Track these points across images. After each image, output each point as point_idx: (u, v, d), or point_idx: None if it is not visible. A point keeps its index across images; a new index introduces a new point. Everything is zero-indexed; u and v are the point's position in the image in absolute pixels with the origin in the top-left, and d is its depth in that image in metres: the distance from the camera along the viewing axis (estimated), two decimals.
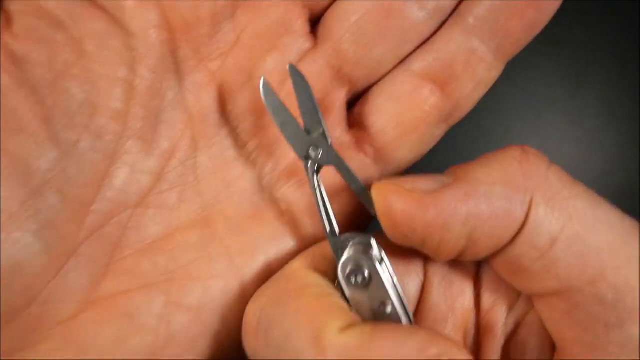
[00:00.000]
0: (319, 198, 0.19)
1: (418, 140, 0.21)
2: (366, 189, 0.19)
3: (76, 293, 0.19)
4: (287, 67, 0.20)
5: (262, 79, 0.20)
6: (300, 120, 0.20)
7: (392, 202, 0.17)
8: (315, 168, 0.20)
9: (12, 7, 0.18)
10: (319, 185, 0.20)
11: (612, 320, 0.16)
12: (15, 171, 0.17)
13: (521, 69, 0.46)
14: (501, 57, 0.21)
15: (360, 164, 0.21)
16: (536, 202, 0.17)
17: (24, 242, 0.18)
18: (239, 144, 0.21)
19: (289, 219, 0.21)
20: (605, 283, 0.16)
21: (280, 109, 0.20)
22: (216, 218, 0.21)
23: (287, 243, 0.21)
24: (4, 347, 0.18)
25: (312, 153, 0.20)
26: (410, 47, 0.21)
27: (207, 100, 0.21)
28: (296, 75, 0.20)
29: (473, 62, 0.20)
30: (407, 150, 0.21)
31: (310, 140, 0.20)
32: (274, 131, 0.21)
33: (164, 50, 0.20)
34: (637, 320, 0.16)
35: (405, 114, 0.20)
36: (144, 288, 0.19)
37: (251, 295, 0.19)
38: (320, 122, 0.20)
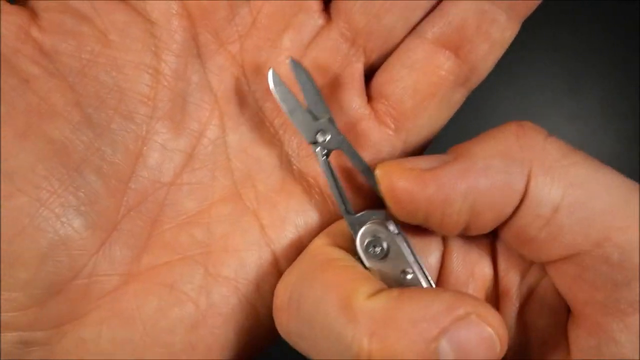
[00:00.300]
0: (331, 180, 0.20)
1: (437, 106, 0.21)
2: (372, 170, 0.20)
3: (119, 266, 0.20)
4: (288, 60, 0.21)
5: (271, 69, 0.20)
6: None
7: (395, 180, 0.18)
8: (325, 152, 0.21)
9: (38, 4, 0.20)
10: (329, 168, 0.21)
11: (619, 279, 0.16)
12: (52, 152, 0.19)
13: (521, 69, 0.46)
14: (515, 17, 0.20)
15: (382, 135, 0.21)
16: (535, 172, 0.17)
17: (66, 217, 0.19)
18: (265, 122, 0.22)
19: (315, 192, 0.22)
20: (611, 244, 0.17)
21: (288, 97, 0.21)
22: (247, 193, 0.21)
23: (315, 215, 0.22)
24: (55, 318, 0.19)
25: (319, 138, 0.21)
26: (420, 14, 0.21)
27: (230, 82, 0.22)
28: (297, 67, 0.21)
29: (485, 23, 0.20)
30: (427, 118, 0.21)
31: (317, 126, 0.21)
32: None
33: (186, 36, 0.21)
34: None
35: (422, 81, 0.21)
36: (183, 260, 0.20)
37: (283, 266, 0.20)
38: (326, 109, 0.21)
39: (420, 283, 0.19)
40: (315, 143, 0.21)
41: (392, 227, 0.20)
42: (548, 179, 0.17)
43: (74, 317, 0.20)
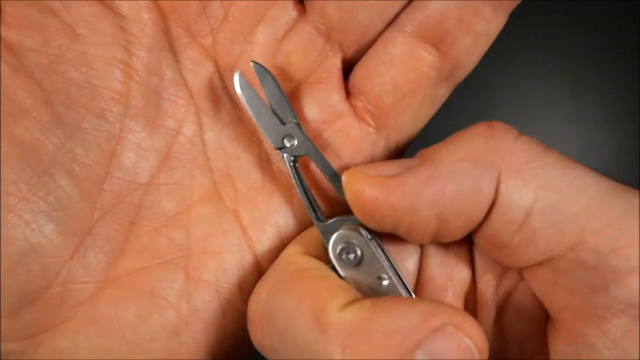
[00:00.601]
0: (300, 187, 0.20)
1: (419, 103, 0.20)
2: (339, 177, 0.19)
3: (95, 272, 0.19)
4: (251, 64, 0.20)
5: (237, 72, 0.20)
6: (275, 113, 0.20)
7: (360, 188, 0.17)
8: (292, 158, 0.20)
9: None
10: (297, 174, 0.20)
11: (596, 284, 0.16)
12: (20, 154, 0.18)
13: (520, 69, 0.46)
14: (502, 9, 0.19)
15: (363, 133, 0.21)
16: (505, 176, 0.17)
17: (36, 223, 0.18)
18: (243, 119, 0.21)
19: (295, 190, 0.21)
20: (585, 247, 0.16)
21: (255, 100, 0.20)
22: (227, 192, 0.21)
23: (296, 214, 0.21)
24: (29, 328, 0.18)
25: (287, 143, 0.20)
26: (397, 7, 0.20)
27: (205, 77, 0.21)
28: (261, 70, 0.20)
29: (467, 15, 0.19)
30: (410, 115, 0.21)
31: (285, 131, 0.20)
32: None
33: (157, 29, 0.20)
34: (620, 281, 0.16)
35: (402, 77, 0.20)
36: (162, 264, 0.20)
37: (265, 268, 0.20)
38: (292, 113, 0.20)
39: (396, 289, 0.18)
40: (281, 149, 0.20)
41: (365, 233, 0.19)
42: (518, 182, 0.16)
43: (50, 326, 0.19)
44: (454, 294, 0.20)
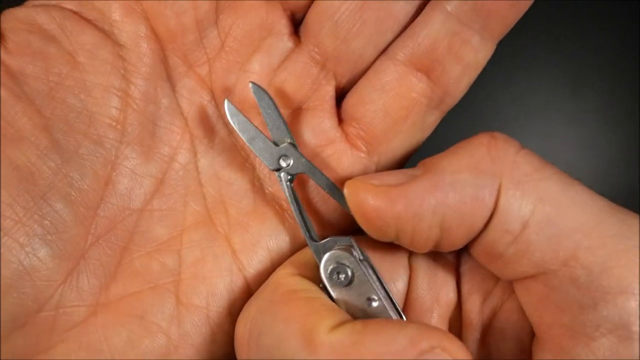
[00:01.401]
0: (295, 207, 0.20)
1: (410, 129, 0.21)
2: (339, 189, 0.20)
3: (87, 296, 0.19)
4: (249, 84, 0.20)
5: (225, 100, 0.20)
6: (269, 134, 0.21)
7: (363, 198, 0.18)
8: (289, 177, 0.20)
9: (4, 24, 0.19)
10: (293, 194, 0.20)
11: (586, 301, 0.16)
12: (18, 178, 0.18)
13: (520, 70, 0.46)
14: (489, 37, 0.20)
15: (354, 158, 0.21)
16: (505, 187, 0.17)
17: (31, 247, 0.18)
18: (236, 146, 0.22)
19: (288, 214, 0.21)
20: (578, 264, 0.16)
21: (246, 126, 0.20)
22: (219, 217, 0.21)
23: (287, 237, 0.21)
24: (19, 351, 0.18)
25: (283, 163, 0.20)
26: (390, 37, 0.20)
27: (200, 105, 0.21)
28: (258, 91, 0.20)
29: (456, 45, 0.20)
30: (400, 140, 0.21)
31: (279, 151, 0.20)
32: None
33: (154, 59, 0.20)
34: (610, 300, 0.16)
35: (393, 104, 0.20)
36: (154, 289, 0.20)
37: (255, 290, 0.20)
38: (288, 133, 0.20)
39: (386, 310, 0.18)
40: (278, 170, 0.20)
41: (356, 254, 0.19)
42: (518, 193, 0.17)
43: (40, 350, 0.19)
44: (439, 315, 0.20)
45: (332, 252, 0.19)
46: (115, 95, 0.20)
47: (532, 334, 0.18)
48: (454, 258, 0.20)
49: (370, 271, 0.19)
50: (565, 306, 0.16)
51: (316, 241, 0.19)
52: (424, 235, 0.18)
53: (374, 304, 0.18)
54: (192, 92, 0.21)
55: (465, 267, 0.20)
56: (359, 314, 0.18)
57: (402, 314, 0.19)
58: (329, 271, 0.19)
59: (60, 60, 0.19)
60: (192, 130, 0.21)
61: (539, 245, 0.16)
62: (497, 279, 0.19)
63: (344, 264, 0.19)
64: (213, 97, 0.21)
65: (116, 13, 0.20)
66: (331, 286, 0.19)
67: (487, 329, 0.19)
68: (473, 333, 0.19)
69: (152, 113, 0.21)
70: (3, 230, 0.18)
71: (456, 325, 0.20)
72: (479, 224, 0.17)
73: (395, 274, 0.20)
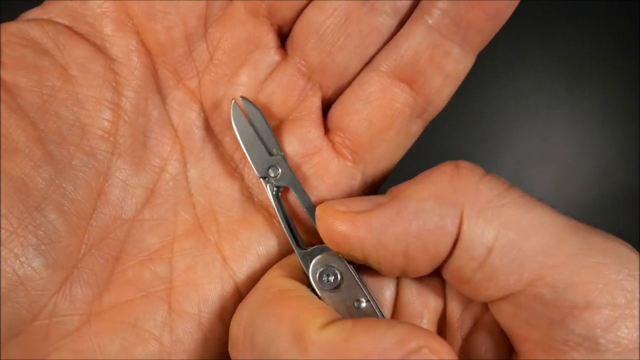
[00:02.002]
0: (281, 215, 0.21)
1: (394, 138, 0.22)
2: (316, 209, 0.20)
3: (80, 305, 0.20)
4: (239, 98, 0.21)
5: (233, 100, 0.21)
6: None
7: (330, 223, 0.18)
8: (275, 189, 0.21)
9: None
10: (280, 203, 0.21)
11: (554, 317, 0.16)
12: (13, 189, 0.18)
13: (521, 70, 0.46)
14: (469, 49, 0.20)
15: (341, 167, 0.22)
16: (467, 214, 0.17)
17: (25, 256, 0.18)
18: (225, 156, 0.22)
19: (277, 220, 0.22)
20: (543, 283, 0.17)
21: (247, 129, 0.21)
22: (209, 226, 0.22)
23: (276, 243, 0.22)
24: None
25: (271, 173, 0.21)
26: (373, 49, 0.21)
27: (190, 117, 0.22)
28: (248, 105, 0.21)
29: (437, 56, 0.20)
30: (385, 149, 0.22)
31: (271, 161, 0.21)
32: None
33: (145, 72, 0.21)
34: (577, 315, 0.16)
35: (377, 114, 0.21)
36: (146, 297, 0.20)
37: (245, 295, 0.20)
38: (277, 146, 0.21)
39: (374, 312, 0.19)
40: (265, 178, 0.21)
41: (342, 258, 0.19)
42: (480, 220, 0.17)
43: (36, 359, 0.19)
44: (429, 320, 0.20)
45: (322, 255, 0.19)
46: (107, 108, 0.20)
47: (509, 347, 0.19)
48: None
49: (357, 275, 0.19)
50: (535, 323, 0.17)
51: (303, 249, 0.20)
52: (389, 261, 0.18)
53: (362, 305, 0.19)
54: (182, 104, 0.22)
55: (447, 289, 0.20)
56: (346, 316, 0.19)
57: (384, 316, 0.20)
58: (317, 274, 0.19)
59: (53, 73, 0.20)
60: (182, 142, 0.22)
61: (503, 269, 0.17)
62: (470, 301, 0.20)
63: (333, 267, 0.19)
64: (202, 109, 0.22)
65: (108, 27, 0.21)
66: (319, 289, 0.19)
67: (469, 337, 0.20)
68: (455, 339, 0.20)
69: (142, 125, 0.21)
70: None
71: (443, 331, 0.20)
72: (443, 252, 0.18)
73: (383, 282, 0.21)
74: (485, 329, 0.19)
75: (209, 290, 0.21)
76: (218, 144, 0.22)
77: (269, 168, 0.21)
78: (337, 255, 0.19)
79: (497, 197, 0.18)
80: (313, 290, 0.19)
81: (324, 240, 0.19)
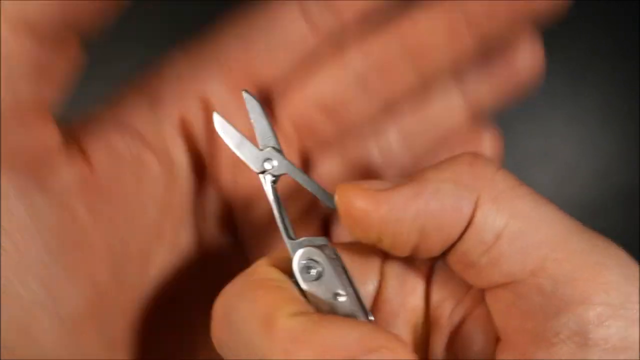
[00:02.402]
0: (276, 205, 0.21)
1: None
2: (322, 189, 0.21)
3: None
4: (242, 93, 0.22)
5: (215, 113, 0.21)
6: (256, 142, 0.22)
7: (351, 200, 0.19)
8: (273, 179, 0.22)
9: (88, 147, 0.20)
10: (275, 194, 0.21)
11: (550, 309, 0.17)
12: (97, 296, 0.20)
13: None
14: None
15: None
16: (482, 200, 0.18)
17: None
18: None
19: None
20: (545, 274, 0.17)
21: (233, 133, 0.22)
22: None
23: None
24: None
25: (267, 166, 0.21)
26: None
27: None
28: (249, 98, 0.22)
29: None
30: None
31: (264, 155, 0.22)
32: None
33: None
34: (571, 310, 0.17)
35: None
36: None
37: None
38: (274, 137, 0.22)
39: (352, 306, 0.19)
40: (263, 172, 0.21)
41: (328, 252, 0.20)
42: (494, 207, 0.18)
43: None
44: (404, 319, 0.21)
45: (306, 248, 0.20)
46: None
47: (496, 340, 0.19)
48: (427, 269, 0.21)
49: (340, 269, 0.20)
50: (531, 313, 0.17)
51: (293, 239, 0.21)
52: (404, 239, 0.19)
53: (341, 299, 0.19)
54: None
55: (438, 277, 0.21)
56: (326, 308, 0.19)
57: (367, 311, 0.20)
58: (301, 266, 0.20)
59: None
60: None
61: (509, 255, 0.18)
62: (467, 289, 0.20)
63: (315, 260, 0.20)
64: None
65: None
66: (302, 280, 0.20)
67: (455, 335, 0.20)
68: (441, 338, 0.20)
69: None
70: None
71: (421, 331, 0.21)
72: (456, 232, 0.18)
73: (366, 277, 0.21)
74: (471, 326, 0.20)
75: None
76: None
77: (264, 161, 0.22)
78: (322, 248, 0.20)
79: (511, 189, 0.18)
80: (296, 282, 0.20)
81: (343, 217, 0.19)
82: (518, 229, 0.18)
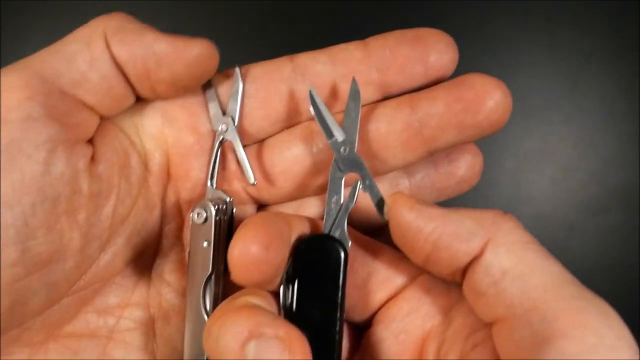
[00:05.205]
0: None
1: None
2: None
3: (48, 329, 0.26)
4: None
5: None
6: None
7: (398, 206, 0.23)
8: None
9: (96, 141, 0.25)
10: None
11: (537, 341, 0.20)
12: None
13: (518, 70, 0.46)
14: None
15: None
16: (494, 242, 0.22)
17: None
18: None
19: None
20: (536, 312, 0.20)
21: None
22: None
23: None
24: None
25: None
26: None
27: None
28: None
29: None
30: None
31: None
32: None
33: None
34: (552, 342, 0.20)
35: None
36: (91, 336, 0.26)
37: None
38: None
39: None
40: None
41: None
42: (505, 250, 0.22)
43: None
44: (404, 340, 0.25)
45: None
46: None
47: None
48: (448, 305, 0.25)
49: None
50: (522, 344, 0.20)
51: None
52: (420, 245, 0.23)
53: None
54: None
55: (461, 309, 0.24)
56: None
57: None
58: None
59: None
60: None
61: (511, 292, 0.21)
62: (482, 325, 0.23)
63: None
64: None
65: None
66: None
67: (465, 358, 0.23)
68: (451, 358, 0.23)
69: None
70: None
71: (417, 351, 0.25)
72: (462, 259, 0.22)
73: (389, 281, 0.25)
74: (479, 353, 0.23)
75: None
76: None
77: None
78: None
79: (524, 242, 0.22)
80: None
81: (390, 218, 0.23)
82: (521, 272, 0.21)
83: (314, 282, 0.23)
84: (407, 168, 0.28)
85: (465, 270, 0.22)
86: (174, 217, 0.28)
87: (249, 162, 0.26)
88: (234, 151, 0.27)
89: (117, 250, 0.26)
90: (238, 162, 0.27)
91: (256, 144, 0.28)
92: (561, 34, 0.43)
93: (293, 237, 0.24)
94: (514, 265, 0.21)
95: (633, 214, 0.43)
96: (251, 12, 0.42)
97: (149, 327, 0.27)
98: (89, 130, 0.25)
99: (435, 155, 0.28)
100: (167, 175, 0.27)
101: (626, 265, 0.42)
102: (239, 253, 0.21)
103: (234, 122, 0.26)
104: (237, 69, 0.26)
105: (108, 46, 0.24)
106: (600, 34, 0.43)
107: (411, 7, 0.43)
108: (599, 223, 0.41)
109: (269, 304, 0.23)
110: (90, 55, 0.23)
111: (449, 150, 0.28)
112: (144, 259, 0.27)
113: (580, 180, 0.44)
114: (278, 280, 0.23)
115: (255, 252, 0.21)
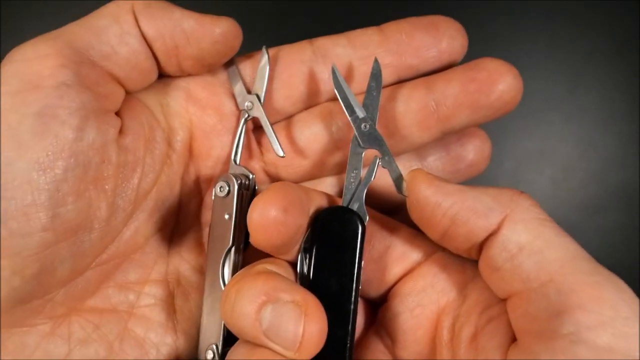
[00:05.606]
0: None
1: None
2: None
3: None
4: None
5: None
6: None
7: (416, 181, 0.23)
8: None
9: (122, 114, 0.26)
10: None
11: (552, 313, 0.20)
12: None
13: (519, 69, 0.46)
14: None
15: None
16: (511, 218, 0.22)
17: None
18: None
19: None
20: (552, 284, 0.20)
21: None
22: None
23: None
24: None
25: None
26: None
27: None
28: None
29: None
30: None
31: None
32: None
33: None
34: (568, 313, 0.20)
35: None
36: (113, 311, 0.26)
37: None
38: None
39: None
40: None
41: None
42: (522, 226, 0.22)
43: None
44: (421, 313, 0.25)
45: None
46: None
47: (511, 341, 0.22)
48: (463, 282, 0.25)
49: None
50: (538, 316, 0.21)
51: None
52: (437, 219, 0.23)
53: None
54: None
55: (476, 286, 0.24)
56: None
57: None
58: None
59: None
60: None
61: (527, 267, 0.21)
62: (497, 301, 0.23)
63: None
64: None
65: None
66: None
67: (481, 331, 0.23)
68: (465, 333, 0.23)
69: None
70: None
71: (447, 329, 0.25)
72: (479, 234, 0.22)
73: (405, 257, 0.25)
74: (494, 328, 0.23)
75: None
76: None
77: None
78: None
79: (541, 219, 0.22)
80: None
81: (409, 191, 0.24)
82: (538, 247, 0.21)
83: (331, 253, 0.23)
84: (419, 151, 0.29)
85: (481, 245, 0.22)
86: (193, 195, 0.28)
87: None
88: (253, 132, 0.28)
89: (139, 225, 0.26)
90: (257, 142, 0.28)
91: (277, 122, 0.28)
92: (561, 34, 0.43)
93: (312, 209, 0.24)
94: (531, 240, 0.21)
95: (633, 214, 0.43)
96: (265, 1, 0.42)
97: (169, 304, 0.27)
98: (117, 102, 0.25)
99: (446, 138, 0.28)
100: (189, 153, 0.27)
101: (626, 265, 0.42)
102: (258, 215, 0.22)
103: (259, 99, 0.26)
104: (264, 49, 0.26)
105: (137, 22, 0.24)
106: (600, 33, 0.43)
107: (411, 7, 0.43)
108: (599, 223, 0.41)
109: (286, 272, 0.24)
110: (120, 30, 0.24)
111: (459, 134, 0.29)
112: (163, 236, 0.27)
113: (580, 180, 0.44)
114: (296, 248, 0.24)
115: (274, 215, 0.22)
